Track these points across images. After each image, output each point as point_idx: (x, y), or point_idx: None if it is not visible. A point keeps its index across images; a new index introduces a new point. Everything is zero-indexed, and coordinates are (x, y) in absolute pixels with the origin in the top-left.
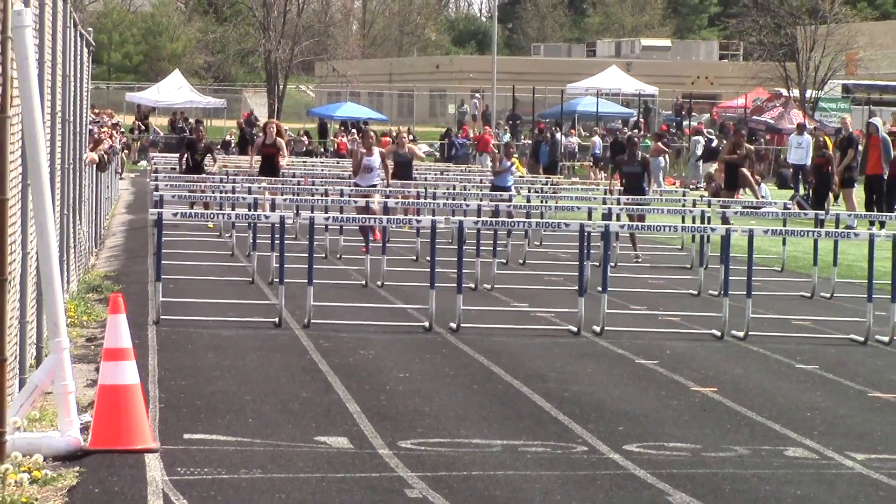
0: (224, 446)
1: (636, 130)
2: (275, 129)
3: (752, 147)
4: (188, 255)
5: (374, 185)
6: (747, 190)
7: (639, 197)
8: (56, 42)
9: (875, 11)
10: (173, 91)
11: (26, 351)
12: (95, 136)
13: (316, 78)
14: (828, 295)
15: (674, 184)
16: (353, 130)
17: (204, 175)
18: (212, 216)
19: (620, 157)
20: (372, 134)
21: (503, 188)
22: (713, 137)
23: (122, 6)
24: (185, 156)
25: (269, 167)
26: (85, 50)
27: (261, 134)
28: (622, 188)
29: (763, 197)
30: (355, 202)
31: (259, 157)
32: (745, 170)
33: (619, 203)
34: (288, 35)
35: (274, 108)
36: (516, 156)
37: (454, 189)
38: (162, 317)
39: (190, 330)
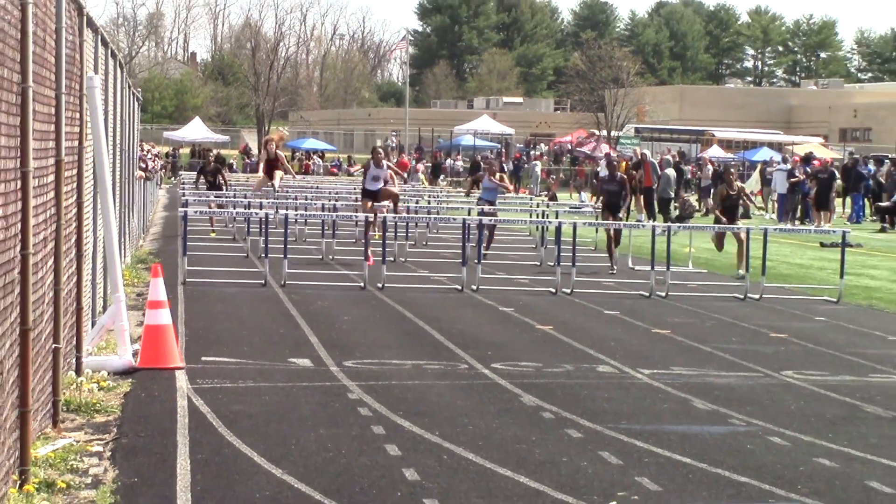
0: (227, 365)
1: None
2: (274, 146)
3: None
4: (204, 239)
5: (379, 189)
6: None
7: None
8: (116, 97)
9: (656, 79)
10: (195, 131)
11: (96, 303)
12: (143, 161)
13: (289, 121)
14: (626, 265)
15: (525, 192)
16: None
17: (216, 193)
18: (215, 223)
19: (602, 176)
20: (381, 151)
21: (489, 202)
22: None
23: (161, 75)
24: (199, 177)
25: (271, 174)
26: (136, 102)
27: (263, 151)
28: (601, 204)
29: (583, 202)
30: (357, 199)
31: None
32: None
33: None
34: (270, 93)
35: (262, 144)
36: (501, 173)
37: None
38: (187, 279)
39: (205, 288)
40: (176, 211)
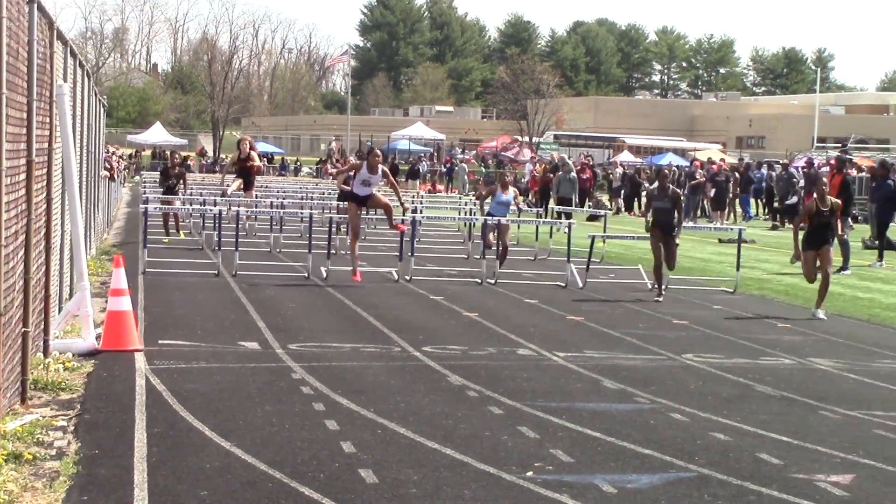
0: (182, 348)
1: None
2: (247, 145)
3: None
4: (162, 234)
5: (370, 194)
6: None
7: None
8: (83, 103)
9: (573, 91)
10: (155, 135)
11: (63, 291)
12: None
13: (242, 127)
14: (545, 258)
15: (454, 192)
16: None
17: (172, 197)
18: (174, 227)
19: (650, 189)
20: (379, 154)
21: (499, 217)
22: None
23: (125, 84)
24: (163, 178)
25: (246, 179)
26: (101, 108)
27: (235, 150)
28: (650, 221)
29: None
30: (339, 207)
31: (234, 172)
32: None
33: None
34: (225, 101)
35: (217, 146)
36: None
37: (325, 193)
38: (146, 270)
39: (163, 278)
40: (137, 207)
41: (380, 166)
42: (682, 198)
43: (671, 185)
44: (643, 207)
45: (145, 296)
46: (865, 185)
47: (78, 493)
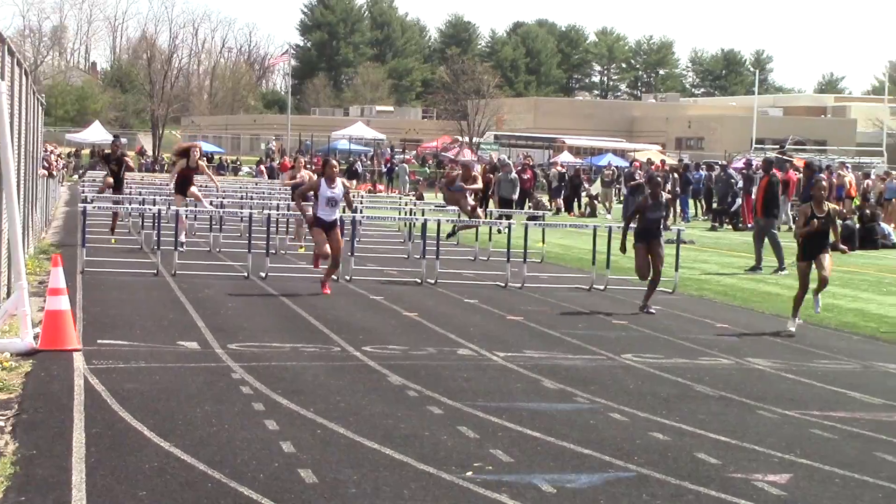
0: (121, 347)
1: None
2: (197, 153)
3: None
4: (102, 232)
5: (336, 221)
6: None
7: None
8: (21, 102)
9: (513, 92)
10: (94, 133)
11: (0, 290)
12: (46, 160)
13: (181, 126)
14: (485, 258)
15: (395, 192)
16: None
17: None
18: (115, 231)
19: (643, 198)
20: (335, 164)
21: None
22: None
23: (64, 82)
24: (104, 164)
25: (187, 186)
26: (40, 107)
27: (181, 159)
28: (635, 233)
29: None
30: (299, 224)
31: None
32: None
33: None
34: (164, 100)
35: (156, 145)
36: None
37: (265, 193)
38: (85, 269)
39: (101, 277)
40: (76, 207)
41: (339, 180)
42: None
43: (664, 193)
44: (626, 220)
45: (84, 295)
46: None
47: (15, 494)
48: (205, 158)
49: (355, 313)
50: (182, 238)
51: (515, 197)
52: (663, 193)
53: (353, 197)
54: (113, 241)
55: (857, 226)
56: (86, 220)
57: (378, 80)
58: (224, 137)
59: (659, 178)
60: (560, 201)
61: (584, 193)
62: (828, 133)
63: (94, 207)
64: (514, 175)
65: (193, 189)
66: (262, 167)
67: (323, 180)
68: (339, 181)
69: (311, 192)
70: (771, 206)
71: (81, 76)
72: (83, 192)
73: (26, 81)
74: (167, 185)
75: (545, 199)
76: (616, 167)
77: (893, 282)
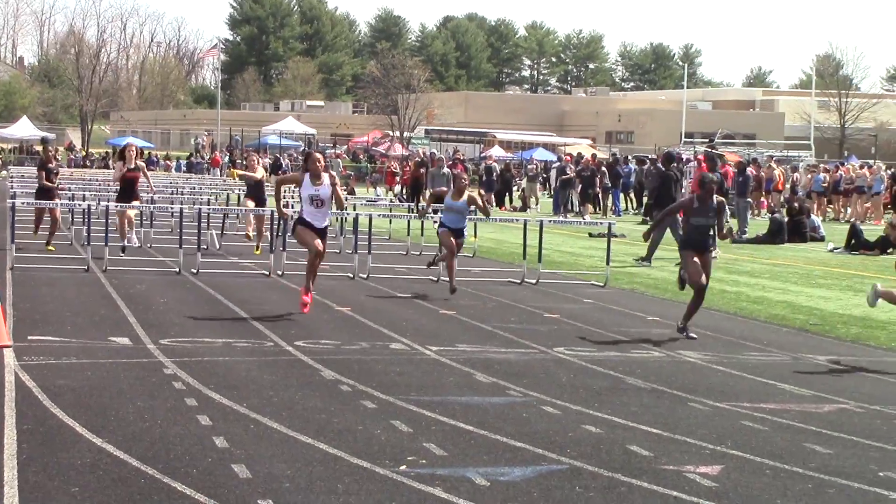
0: (52, 343)
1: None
2: (134, 152)
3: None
4: (30, 230)
5: (327, 228)
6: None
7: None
8: None
9: (443, 86)
10: (22, 129)
11: None
12: None
13: (111, 121)
14: (417, 253)
15: None
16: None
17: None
18: (51, 237)
19: (688, 199)
20: (319, 157)
21: (455, 231)
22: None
23: None
24: (42, 174)
25: (131, 191)
26: None
27: (119, 162)
28: (685, 239)
29: (378, 195)
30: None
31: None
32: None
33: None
34: (93, 95)
35: (85, 140)
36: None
37: (196, 189)
38: (14, 265)
39: (32, 273)
40: (5, 202)
41: (325, 176)
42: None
43: (716, 196)
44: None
45: (14, 291)
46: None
47: None
48: (140, 154)
49: (287, 308)
50: (133, 238)
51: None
52: (716, 197)
53: (285, 193)
54: (51, 248)
55: (786, 219)
56: (14, 216)
57: (308, 75)
58: (154, 132)
59: (714, 180)
60: (492, 196)
61: (515, 188)
62: (756, 127)
63: (22, 203)
64: (446, 170)
65: (131, 211)
66: (193, 161)
67: (307, 176)
68: (325, 178)
69: (297, 187)
70: (664, 201)
71: (8, 71)
72: (11, 189)
73: None
74: (96, 180)
75: (475, 194)
76: (539, 162)
77: (822, 274)
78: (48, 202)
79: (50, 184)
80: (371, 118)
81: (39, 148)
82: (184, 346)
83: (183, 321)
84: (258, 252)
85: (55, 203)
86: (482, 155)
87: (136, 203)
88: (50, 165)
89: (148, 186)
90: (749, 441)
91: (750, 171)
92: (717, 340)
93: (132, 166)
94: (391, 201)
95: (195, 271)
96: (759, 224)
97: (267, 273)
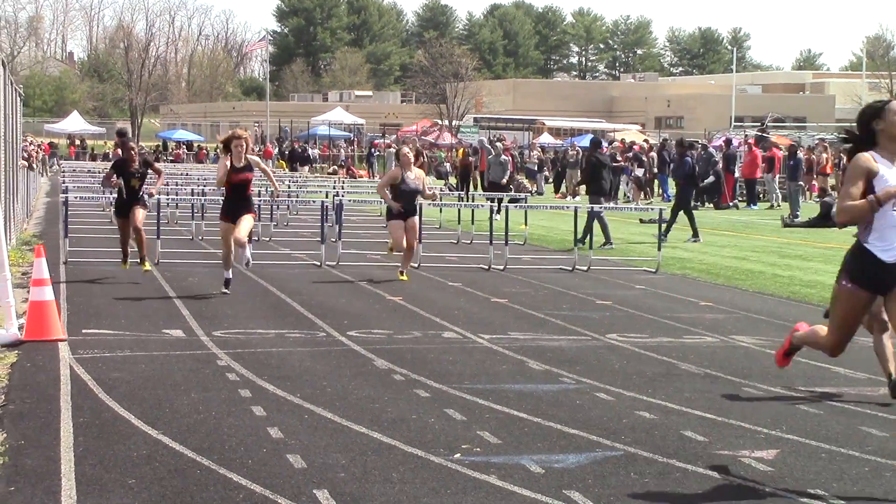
0: (106, 336)
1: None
2: (244, 145)
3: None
4: (83, 223)
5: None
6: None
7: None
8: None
9: (491, 74)
10: (73, 123)
11: None
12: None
13: (160, 114)
14: (468, 241)
15: (376, 177)
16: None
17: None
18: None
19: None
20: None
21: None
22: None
23: (41, 72)
24: (114, 177)
25: (240, 200)
26: (18, 98)
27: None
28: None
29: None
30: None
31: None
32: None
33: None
34: (142, 89)
35: (135, 134)
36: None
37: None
38: (68, 259)
39: (85, 267)
40: (57, 197)
41: (415, 168)
42: None
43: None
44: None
45: (67, 286)
46: (783, 164)
47: (5, 484)
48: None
49: (340, 298)
50: (246, 254)
51: (505, 181)
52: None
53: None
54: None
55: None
56: (67, 211)
57: (356, 65)
58: (203, 125)
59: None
60: (543, 183)
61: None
62: (807, 109)
63: (75, 198)
64: (504, 157)
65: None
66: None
67: (403, 172)
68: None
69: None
70: (592, 184)
71: (59, 66)
72: (64, 183)
73: (3, 72)
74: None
75: (526, 181)
76: (582, 149)
77: None
78: (136, 211)
79: (132, 190)
80: (420, 107)
81: (105, 144)
82: (237, 338)
83: (235, 313)
84: (405, 278)
85: (141, 213)
86: (531, 142)
87: (247, 219)
88: (133, 168)
89: (273, 189)
90: (804, 425)
91: (801, 153)
92: (770, 325)
93: (240, 164)
94: (440, 190)
95: (247, 263)
96: (810, 207)
97: (318, 263)
